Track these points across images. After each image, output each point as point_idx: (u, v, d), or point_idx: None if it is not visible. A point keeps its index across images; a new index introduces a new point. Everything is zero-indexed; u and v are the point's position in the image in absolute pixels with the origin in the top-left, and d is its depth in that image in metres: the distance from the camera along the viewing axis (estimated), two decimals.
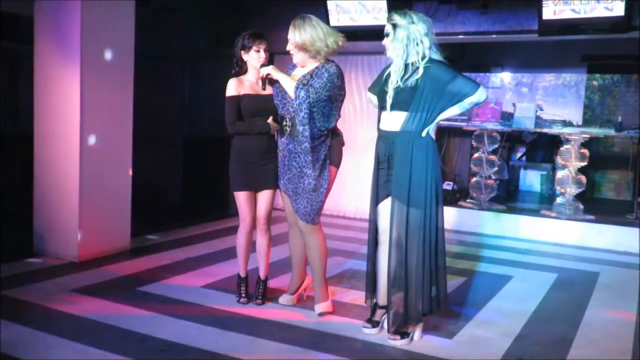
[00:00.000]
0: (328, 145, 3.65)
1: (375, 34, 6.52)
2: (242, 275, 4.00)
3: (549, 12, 5.79)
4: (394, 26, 3.33)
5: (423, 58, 3.30)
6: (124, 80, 5.07)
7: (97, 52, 4.80)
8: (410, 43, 3.29)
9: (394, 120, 3.37)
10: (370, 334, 3.54)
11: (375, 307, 3.63)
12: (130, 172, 5.20)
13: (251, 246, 4.00)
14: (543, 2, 5.77)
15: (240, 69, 3.88)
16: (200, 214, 6.87)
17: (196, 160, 7.43)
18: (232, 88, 3.80)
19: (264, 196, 3.89)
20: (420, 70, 3.29)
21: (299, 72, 3.72)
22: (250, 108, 3.79)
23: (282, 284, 4.26)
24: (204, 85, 7.56)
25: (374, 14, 6.46)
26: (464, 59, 8.90)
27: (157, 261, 4.95)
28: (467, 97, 3.28)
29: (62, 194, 4.85)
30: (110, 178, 5.02)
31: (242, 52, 3.82)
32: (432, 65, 3.30)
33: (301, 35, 3.58)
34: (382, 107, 3.46)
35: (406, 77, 3.32)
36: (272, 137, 3.87)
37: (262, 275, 4.02)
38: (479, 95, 3.28)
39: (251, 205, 3.89)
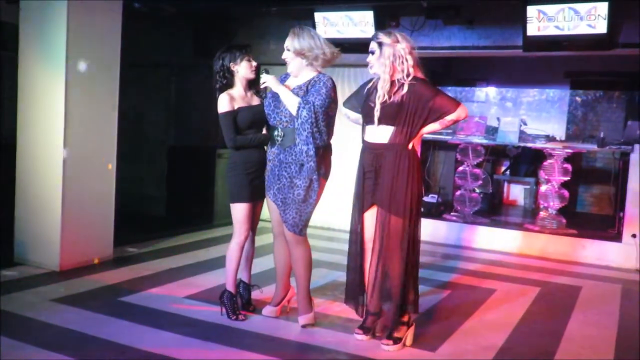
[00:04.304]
0: (322, 158, 3.64)
1: (362, 46, 6.53)
2: (234, 291, 3.89)
3: (533, 28, 5.87)
4: (380, 44, 3.47)
5: (408, 75, 3.45)
6: (109, 89, 5.04)
7: (83, 60, 4.76)
8: (396, 60, 3.43)
9: (382, 134, 3.50)
10: (361, 339, 3.58)
11: (366, 314, 3.67)
12: (114, 181, 5.16)
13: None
14: (527, 19, 5.86)
15: (228, 81, 3.82)
16: (184, 224, 6.83)
17: (181, 170, 7.41)
18: (226, 103, 3.74)
19: (258, 207, 3.93)
20: (405, 87, 3.44)
21: (291, 82, 3.72)
22: (246, 120, 3.77)
23: (265, 295, 4.22)
24: (189, 95, 7.56)
25: (361, 27, 6.50)
26: (450, 73, 8.98)
27: (139, 271, 4.90)
28: (447, 115, 3.44)
29: (44, 203, 4.80)
30: (93, 187, 4.97)
31: (232, 64, 3.79)
32: (417, 83, 3.45)
33: (300, 41, 3.60)
34: (367, 121, 3.58)
35: (392, 93, 3.45)
36: (263, 148, 3.88)
37: (247, 280, 4.05)
38: (458, 113, 3.46)
39: (251, 218, 3.85)
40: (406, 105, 3.42)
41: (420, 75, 3.51)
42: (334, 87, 3.63)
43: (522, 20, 5.88)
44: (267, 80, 3.64)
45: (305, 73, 3.68)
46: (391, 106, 3.43)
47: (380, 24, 6.51)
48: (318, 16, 6.67)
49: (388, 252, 3.48)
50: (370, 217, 3.57)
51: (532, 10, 5.83)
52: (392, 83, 3.47)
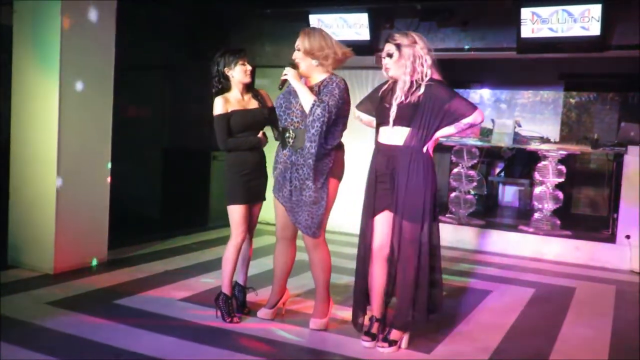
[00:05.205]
0: (333, 159, 3.60)
1: (357, 48, 6.54)
2: (230, 293, 3.88)
3: (527, 30, 5.90)
4: (398, 46, 3.39)
5: (425, 76, 3.40)
6: (104, 91, 5.03)
7: (77, 62, 4.76)
8: (416, 61, 3.38)
9: (396, 135, 3.43)
10: (369, 346, 3.54)
11: (371, 319, 3.62)
12: (108, 184, 5.14)
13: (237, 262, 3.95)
14: (521, 21, 5.88)
15: (224, 86, 3.85)
16: (179, 226, 6.82)
17: (176, 172, 7.39)
18: (220, 106, 3.77)
19: (256, 209, 3.95)
20: (422, 88, 3.38)
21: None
22: (240, 124, 3.79)
23: (260, 298, 4.21)
24: (184, 97, 7.54)
25: (356, 29, 6.52)
26: (444, 76, 8.99)
27: (134, 274, 4.89)
28: (463, 118, 3.36)
29: (38, 205, 4.78)
30: (87, 189, 4.96)
31: (227, 68, 3.81)
32: (433, 84, 3.40)
33: (310, 41, 3.58)
34: (381, 122, 3.51)
35: (409, 93, 3.39)
36: (262, 151, 3.90)
37: (243, 282, 4.04)
38: (475, 117, 3.36)
39: (247, 219, 3.86)
40: (422, 106, 3.35)
41: (437, 76, 3.46)
42: (346, 88, 3.59)
43: (516, 22, 5.91)
44: (289, 73, 3.56)
45: (317, 75, 3.64)
46: (407, 107, 3.37)
47: (375, 26, 6.52)
48: (313, 18, 6.68)
49: (400, 258, 3.42)
50: (381, 221, 3.51)
51: (526, 12, 5.86)
52: (410, 84, 3.40)
